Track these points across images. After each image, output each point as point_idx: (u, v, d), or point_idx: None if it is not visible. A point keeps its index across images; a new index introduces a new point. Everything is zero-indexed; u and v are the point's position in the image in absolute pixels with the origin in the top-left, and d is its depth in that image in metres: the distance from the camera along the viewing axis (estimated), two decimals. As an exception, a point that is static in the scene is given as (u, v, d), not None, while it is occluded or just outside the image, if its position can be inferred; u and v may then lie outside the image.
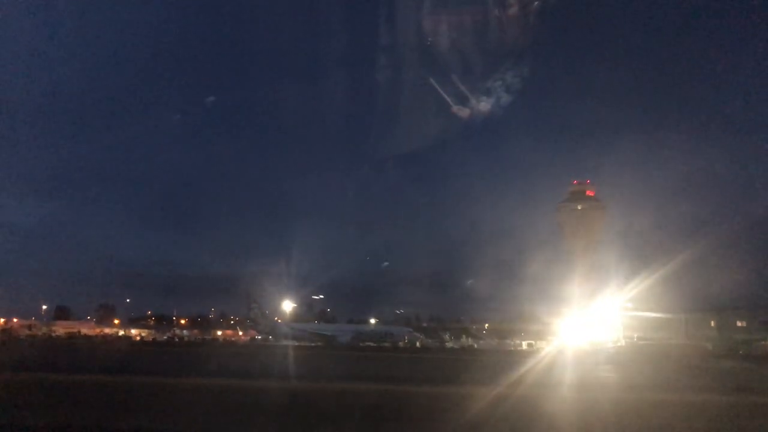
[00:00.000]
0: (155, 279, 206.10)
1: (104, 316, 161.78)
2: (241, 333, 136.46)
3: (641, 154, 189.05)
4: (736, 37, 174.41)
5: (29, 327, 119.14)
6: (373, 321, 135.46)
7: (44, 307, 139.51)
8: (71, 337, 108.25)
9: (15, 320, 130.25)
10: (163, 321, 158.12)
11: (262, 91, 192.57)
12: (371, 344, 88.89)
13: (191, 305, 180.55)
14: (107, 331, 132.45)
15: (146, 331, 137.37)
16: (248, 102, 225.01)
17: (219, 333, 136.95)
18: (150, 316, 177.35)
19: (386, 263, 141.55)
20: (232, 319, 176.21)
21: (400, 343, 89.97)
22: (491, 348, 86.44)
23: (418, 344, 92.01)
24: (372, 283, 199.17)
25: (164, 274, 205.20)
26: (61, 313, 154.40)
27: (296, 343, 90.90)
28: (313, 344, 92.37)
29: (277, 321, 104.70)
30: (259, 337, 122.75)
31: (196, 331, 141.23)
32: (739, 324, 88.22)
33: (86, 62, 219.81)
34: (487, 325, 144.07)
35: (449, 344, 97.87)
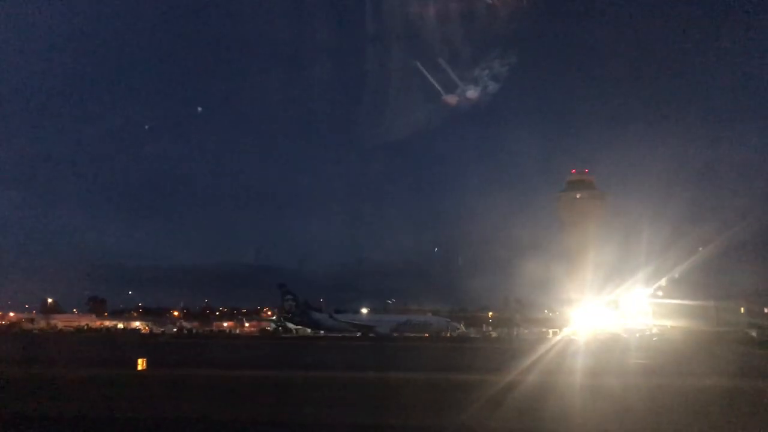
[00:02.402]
0: (135, 272, 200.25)
1: (94, 308, 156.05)
2: (248, 324, 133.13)
3: (639, 142, 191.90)
4: (738, 24, 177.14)
5: (31, 320, 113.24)
6: (364, 310, 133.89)
7: (50, 300, 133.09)
8: (79, 330, 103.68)
9: (11, 314, 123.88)
10: (166, 314, 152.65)
11: (249, 81, 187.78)
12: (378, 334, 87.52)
13: (173, 298, 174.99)
14: (107, 323, 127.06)
15: (144, 323, 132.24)
16: (234, 92, 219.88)
17: (225, 325, 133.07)
18: (138, 308, 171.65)
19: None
20: (218, 311, 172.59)
21: (444, 334, 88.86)
22: (533, 337, 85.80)
23: (449, 334, 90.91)
24: (360, 272, 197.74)
25: (142, 267, 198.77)
26: (49, 305, 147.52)
27: (322, 334, 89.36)
28: (338, 335, 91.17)
29: (312, 312, 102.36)
30: (270, 328, 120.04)
31: (196, 323, 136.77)
32: (767, 311, 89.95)
33: (64, 52, 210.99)
34: (490, 313, 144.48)
35: (493, 334, 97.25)
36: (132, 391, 22.15)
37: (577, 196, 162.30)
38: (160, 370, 28.98)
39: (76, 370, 28.71)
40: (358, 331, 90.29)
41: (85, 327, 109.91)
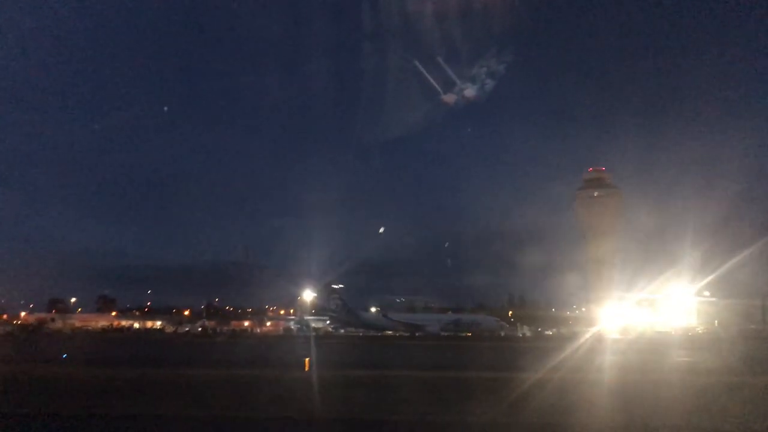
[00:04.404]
0: (133, 270, 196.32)
1: (104, 307, 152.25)
2: (269, 323, 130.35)
3: (651, 139, 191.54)
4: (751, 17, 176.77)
5: (51, 320, 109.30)
6: (373, 309, 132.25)
7: (73, 299, 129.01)
8: (105, 330, 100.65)
9: (22, 314, 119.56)
10: (173, 313, 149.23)
11: (246, 79, 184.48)
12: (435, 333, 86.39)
13: (172, 297, 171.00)
14: (123, 323, 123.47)
15: (163, 323, 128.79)
16: (231, 90, 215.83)
17: (245, 324, 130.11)
18: (145, 308, 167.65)
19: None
20: (221, 311, 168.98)
21: (495, 333, 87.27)
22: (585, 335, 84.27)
23: (499, 333, 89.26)
24: (366, 271, 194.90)
25: (138, 266, 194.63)
26: (56, 305, 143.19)
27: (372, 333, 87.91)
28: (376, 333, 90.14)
29: (361, 311, 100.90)
30: (293, 327, 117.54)
31: (212, 322, 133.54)
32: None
33: (48, 49, 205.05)
34: (510, 312, 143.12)
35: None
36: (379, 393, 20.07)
37: (595, 194, 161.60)
38: (328, 372, 26.80)
39: (253, 371, 26.48)
40: (407, 331, 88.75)
41: (110, 327, 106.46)
